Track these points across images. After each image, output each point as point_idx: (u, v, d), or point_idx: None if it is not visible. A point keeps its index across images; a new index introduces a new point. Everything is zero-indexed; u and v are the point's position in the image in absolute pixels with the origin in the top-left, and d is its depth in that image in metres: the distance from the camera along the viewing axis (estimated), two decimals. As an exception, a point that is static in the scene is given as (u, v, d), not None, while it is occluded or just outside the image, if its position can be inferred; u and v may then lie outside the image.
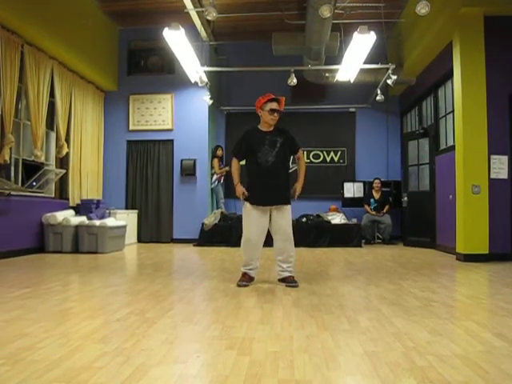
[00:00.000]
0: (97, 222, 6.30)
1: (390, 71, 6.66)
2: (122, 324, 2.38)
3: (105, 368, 1.71)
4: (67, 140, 6.87)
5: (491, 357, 1.85)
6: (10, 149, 5.53)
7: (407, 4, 6.99)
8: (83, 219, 6.39)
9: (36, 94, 5.99)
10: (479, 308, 2.87)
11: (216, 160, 8.16)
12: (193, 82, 7.24)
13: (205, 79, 7.21)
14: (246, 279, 3.62)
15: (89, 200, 6.92)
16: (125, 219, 7.13)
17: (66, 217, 6.30)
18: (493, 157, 5.38)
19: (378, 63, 6.76)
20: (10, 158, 5.62)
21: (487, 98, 5.35)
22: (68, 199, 6.95)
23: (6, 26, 5.35)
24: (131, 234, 7.53)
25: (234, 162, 3.74)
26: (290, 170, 3.83)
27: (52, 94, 6.46)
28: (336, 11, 6.11)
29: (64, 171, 6.82)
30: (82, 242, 6.24)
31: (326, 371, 1.69)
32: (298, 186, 3.71)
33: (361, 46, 5.67)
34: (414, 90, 7.78)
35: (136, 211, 8.00)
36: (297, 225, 6.54)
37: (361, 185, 8.49)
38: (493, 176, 5.37)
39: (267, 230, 3.63)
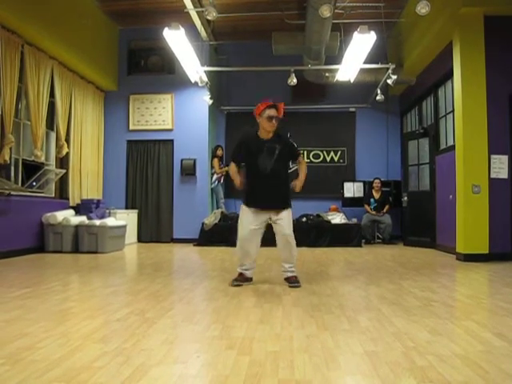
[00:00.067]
0: (97, 222, 6.30)
1: (390, 71, 6.66)
2: (121, 324, 2.38)
3: (105, 368, 1.71)
4: (67, 140, 6.87)
5: (491, 357, 1.85)
6: (10, 149, 5.53)
7: (407, 4, 6.99)
8: (83, 219, 6.39)
9: (36, 94, 5.99)
10: (479, 308, 2.87)
11: (216, 160, 8.16)
12: (193, 81, 7.24)
13: (205, 79, 7.20)
14: (240, 279, 3.64)
15: (89, 200, 6.92)
16: (125, 219, 7.13)
17: (66, 217, 6.30)
18: (493, 156, 5.38)
19: (378, 63, 6.76)
20: (10, 158, 5.62)
21: (487, 98, 5.35)
22: (68, 199, 6.95)
23: (6, 25, 5.35)
24: (131, 234, 7.53)
25: (232, 166, 3.76)
26: (290, 170, 3.83)
27: (52, 94, 6.45)
28: (336, 11, 6.11)
29: (64, 171, 6.82)
30: (82, 242, 6.25)
31: (326, 371, 1.69)
32: (298, 183, 3.70)
33: (361, 45, 5.66)
34: (414, 90, 7.78)
35: (136, 211, 8.00)
36: (297, 225, 6.46)
37: (361, 185, 8.49)
38: (493, 176, 5.37)
39: (263, 232, 3.64)
